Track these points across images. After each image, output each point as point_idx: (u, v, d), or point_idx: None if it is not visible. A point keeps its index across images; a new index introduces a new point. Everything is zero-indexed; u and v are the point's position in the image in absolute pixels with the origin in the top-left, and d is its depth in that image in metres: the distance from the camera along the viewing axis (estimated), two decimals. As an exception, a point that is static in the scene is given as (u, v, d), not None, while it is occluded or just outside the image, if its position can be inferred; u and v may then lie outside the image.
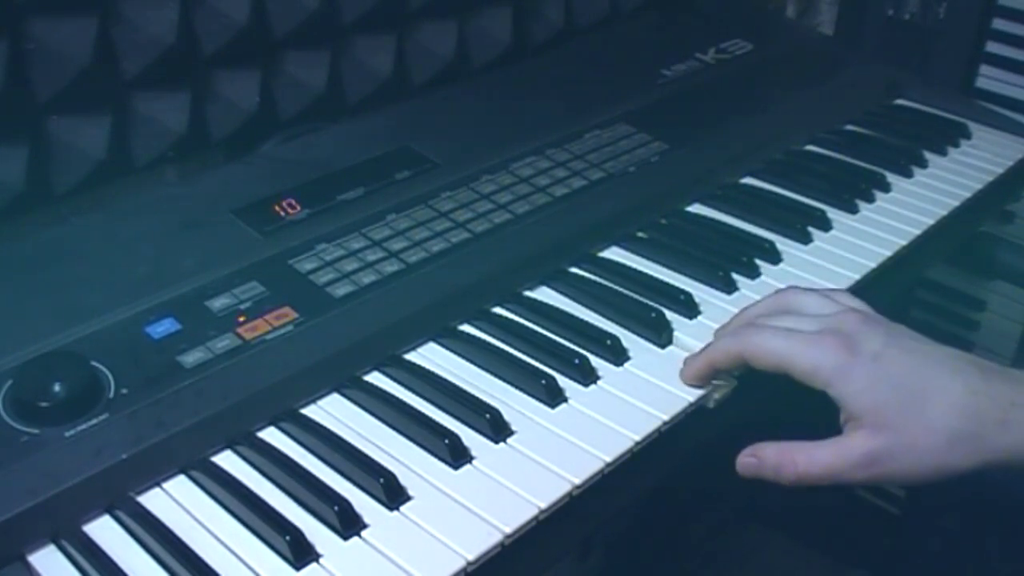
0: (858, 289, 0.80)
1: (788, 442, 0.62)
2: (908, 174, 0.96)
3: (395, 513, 0.57)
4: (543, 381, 0.66)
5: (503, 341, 0.71)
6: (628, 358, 0.70)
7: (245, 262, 0.72)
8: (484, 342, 0.71)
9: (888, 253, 0.84)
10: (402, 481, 0.59)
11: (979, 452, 0.58)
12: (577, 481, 0.60)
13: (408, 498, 0.58)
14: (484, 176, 0.84)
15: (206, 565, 0.53)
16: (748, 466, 0.63)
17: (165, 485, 0.59)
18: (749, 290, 0.78)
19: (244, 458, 0.61)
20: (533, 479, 0.60)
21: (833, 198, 0.90)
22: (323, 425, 0.63)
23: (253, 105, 0.89)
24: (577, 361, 0.68)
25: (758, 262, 0.81)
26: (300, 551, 0.54)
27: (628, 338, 0.71)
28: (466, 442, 0.62)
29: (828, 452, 0.60)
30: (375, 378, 0.68)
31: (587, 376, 0.67)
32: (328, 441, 0.61)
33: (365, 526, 0.56)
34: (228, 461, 0.61)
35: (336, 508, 0.56)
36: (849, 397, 0.59)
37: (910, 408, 0.58)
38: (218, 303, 0.68)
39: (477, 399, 0.65)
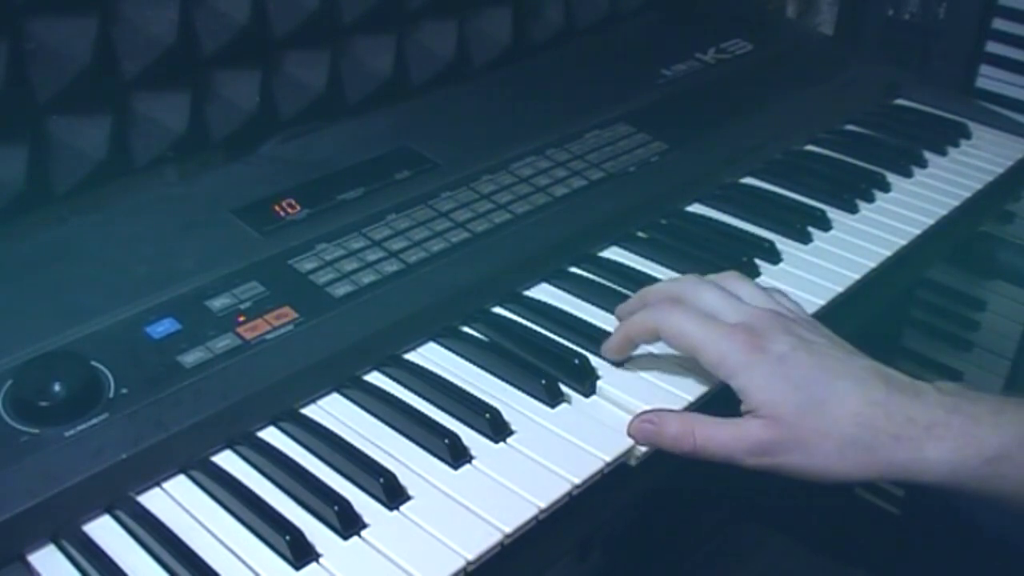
0: (859, 288, 0.80)
1: (691, 413, 0.64)
2: (908, 174, 0.96)
3: (395, 513, 0.57)
4: (543, 381, 0.66)
5: (503, 341, 0.71)
6: (628, 358, 0.70)
7: (245, 262, 0.72)
8: (484, 342, 0.71)
9: (888, 253, 0.84)
10: (402, 481, 0.59)
11: (871, 464, 0.59)
12: (577, 481, 0.60)
13: (408, 498, 0.58)
14: (484, 176, 0.84)
15: (206, 565, 0.53)
16: (644, 432, 0.63)
17: (165, 485, 0.59)
18: (749, 290, 0.77)
19: (244, 458, 0.61)
20: (533, 479, 0.60)
21: (833, 198, 0.90)
22: (323, 425, 0.63)
23: (253, 105, 0.89)
24: (577, 361, 0.68)
25: (758, 262, 0.81)
26: (300, 551, 0.54)
27: (628, 338, 0.71)
28: (466, 442, 0.62)
29: (726, 432, 0.61)
30: (375, 378, 0.68)
31: (587, 376, 0.67)
32: (328, 441, 0.61)
33: (365, 526, 0.56)
34: (228, 461, 0.61)
35: (336, 508, 0.56)
36: (748, 390, 0.61)
37: (806, 409, 0.59)
38: (218, 303, 0.68)
39: (477, 399, 0.65)
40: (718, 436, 0.61)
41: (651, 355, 0.70)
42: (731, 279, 0.69)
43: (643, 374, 0.68)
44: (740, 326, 0.63)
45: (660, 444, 0.63)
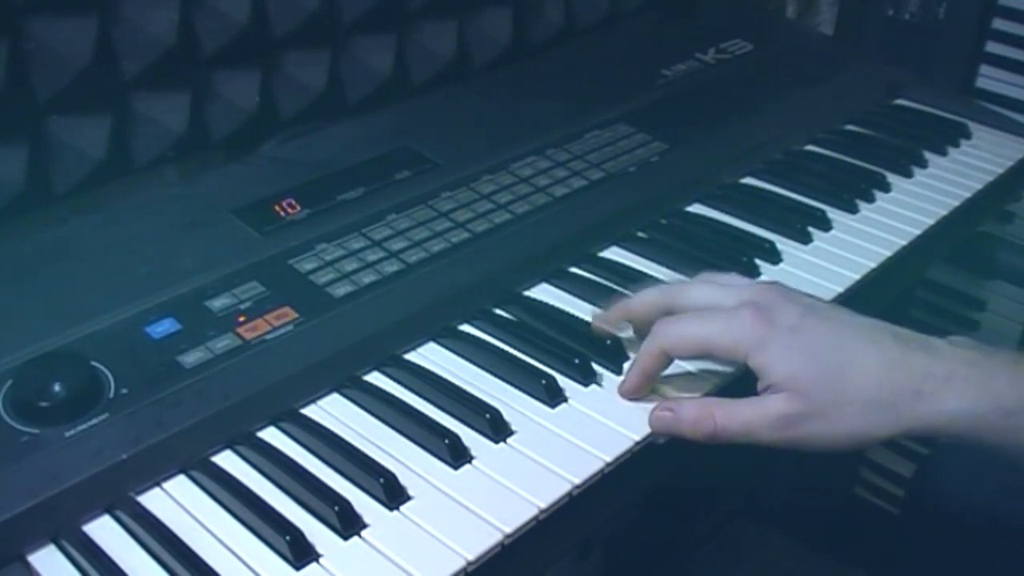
0: (859, 288, 0.80)
1: (708, 397, 0.64)
2: (908, 174, 0.96)
3: (395, 513, 0.57)
4: (543, 381, 0.66)
5: (503, 341, 0.71)
6: (628, 358, 0.70)
7: (245, 262, 0.72)
8: (484, 342, 0.71)
9: (888, 253, 0.84)
10: (402, 481, 0.59)
11: (894, 422, 0.59)
12: (577, 481, 0.60)
13: (408, 498, 0.58)
14: (484, 176, 0.84)
15: (206, 565, 0.53)
16: (664, 420, 0.63)
17: (165, 485, 0.59)
18: (749, 290, 0.77)
19: (244, 458, 0.61)
20: (533, 479, 0.60)
21: (833, 198, 0.90)
22: (323, 425, 0.63)
23: (253, 105, 0.89)
24: (577, 361, 0.68)
25: (758, 262, 0.81)
26: (300, 551, 0.54)
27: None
28: (466, 442, 0.62)
29: (746, 410, 0.61)
30: (375, 378, 0.68)
31: (587, 376, 0.67)
32: (328, 441, 0.61)
33: (365, 526, 0.56)
34: (228, 461, 0.61)
35: (336, 508, 0.56)
36: (767, 366, 0.60)
37: (826, 377, 0.59)
38: (218, 303, 0.68)
39: (477, 399, 0.65)
40: (738, 414, 0.61)
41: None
42: (707, 274, 0.68)
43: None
44: (743, 305, 0.62)
45: (680, 431, 0.62)
